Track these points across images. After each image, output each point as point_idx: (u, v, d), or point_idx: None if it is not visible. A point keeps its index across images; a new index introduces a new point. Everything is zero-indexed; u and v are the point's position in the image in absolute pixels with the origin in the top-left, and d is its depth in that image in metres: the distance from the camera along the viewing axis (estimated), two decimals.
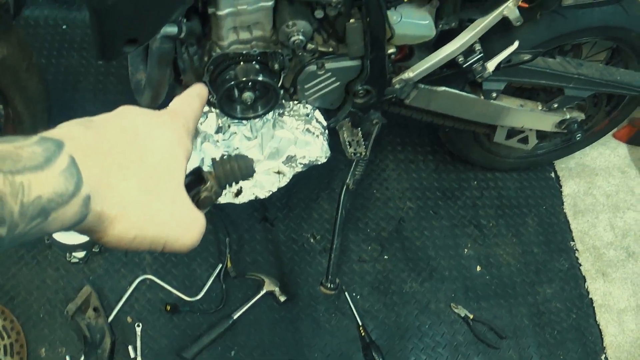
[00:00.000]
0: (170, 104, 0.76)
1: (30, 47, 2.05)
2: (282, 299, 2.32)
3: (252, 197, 2.12)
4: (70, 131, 0.60)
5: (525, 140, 2.45)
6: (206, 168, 0.78)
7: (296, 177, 2.12)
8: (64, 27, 2.86)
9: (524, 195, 2.76)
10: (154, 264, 2.38)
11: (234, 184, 0.79)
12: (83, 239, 2.26)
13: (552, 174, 2.86)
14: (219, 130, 2.07)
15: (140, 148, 0.64)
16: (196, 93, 0.80)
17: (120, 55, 1.68)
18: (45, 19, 2.80)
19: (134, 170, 0.62)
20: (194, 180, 0.75)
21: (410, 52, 2.08)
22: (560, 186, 2.82)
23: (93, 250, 2.35)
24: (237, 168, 0.77)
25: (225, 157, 0.78)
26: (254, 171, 0.79)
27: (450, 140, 2.61)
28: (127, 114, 0.68)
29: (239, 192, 2.12)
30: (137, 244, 0.63)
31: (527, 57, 2.05)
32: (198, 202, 0.73)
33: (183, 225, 0.66)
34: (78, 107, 2.68)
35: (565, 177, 2.83)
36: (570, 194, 2.78)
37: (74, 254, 2.34)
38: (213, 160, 0.78)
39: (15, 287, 2.28)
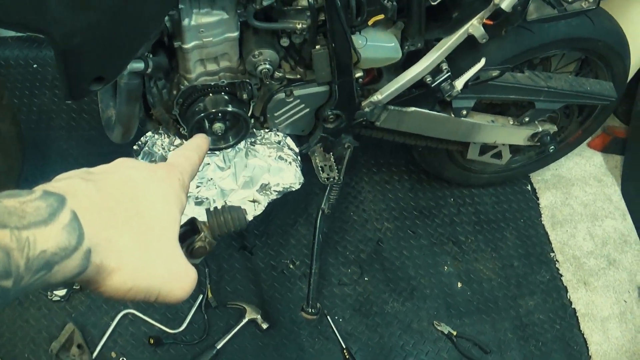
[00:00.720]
0: (169, 157, 0.80)
1: (2, 88, 2.06)
2: (265, 326, 2.32)
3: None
4: (71, 185, 0.62)
5: (498, 156, 2.47)
6: (201, 218, 0.81)
7: (272, 204, 2.13)
8: (35, 65, 2.88)
9: (501, 209, 2.77)
10: None
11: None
12: None
13: (529, 187, 2.88)
14: None
15: (138, 203, 0.66)
16: (195, 145, 0.83)
17: (88, 94, 1.68)
18: (16, 58, 2.81)
19: (131, 225, 0.64)
20: (189, 231, 0.78)
21: (379, 75, 2.10)
22: (537, 198, 2.84)
23: (74, 287, 2.35)
24: (230, 219, 0.80)
25: (219, 208, 0.81)
26: (247, 222, 0.81)
27: (424, 160, 2.62)
28: (125, 167, 0.70)
29: None
30: (132, 295, 0.64)
31: (495, 73, 2.06)
32: (192, 252, 0.77)
33: (176, 278, 0.67)
34: (52, 145, 2.69)
35: (541, 189, 2.85)
36: (548, 206, 2.79)
37: (55, 292, 2.34)
38: (207, 211, 0.80)
39: None
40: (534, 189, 2.87)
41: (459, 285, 2.55)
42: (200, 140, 0.85)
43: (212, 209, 0.82)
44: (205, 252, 0.79)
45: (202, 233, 0.78)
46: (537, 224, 2.76)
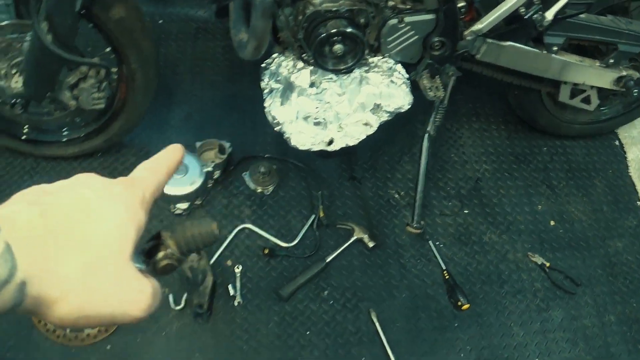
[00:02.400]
0: (134, 171, 0.76)
1: (140, 13, 2.28)
2: (371, 244, 2.48)
3: (344, 145, 2.30)
4: (12, 212, 0.60)
5: (587, 100, 2.61)
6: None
7: (380, 141, 2.28)
8: (160, 21, 3.17)
9: (591, 160, 2.91)
10: (252, 215, 2.58)
11: (200, 245, 0.78)
12: (187, 190, 2.48)
13: (617, 142, 3.01)
14: (312, 85, 2.28)
15: (87, 225, 0.64)
16: (165, 158, 0.80)
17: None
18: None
19: (77, 251, 0.62)
20: (155, 246, 0.75)
21: (478, 14, 2.29)
22: (625, 152, 2.97)
23: (195, 202, 2.55)
24: (199, 234, 0.77)
25: (186, 223, 0.78)
26: (216, 237, 0.79)
27: (519, 104, 2.79)
28: (79, 185, 0.68)
29: (330, 142, 2.31)
30: (83, 322, 0.63)
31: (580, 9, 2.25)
32: (158, 269, 0.74)
33: (129, 300, 0.65)
34: (177, 87, 2.95)
35: (628, 144, 2.98)
36: (635, 159, 2.92)
37: (177, 205, 2.53)
38: (173, 227, 0.77)
39: None
40: (621, 144, 3.00)
41: (552, 223, 2.68)
42: (171, 154, 0.80)
43: (185, 224, 0.78)
44: (173, 268, 0.76)
45: (169, 249, 0.75)
46: (625, 175, 2.89)
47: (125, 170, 2.60)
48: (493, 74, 2.48)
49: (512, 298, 2.48)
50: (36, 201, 0.63)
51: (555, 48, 2.34)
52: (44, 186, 0.67)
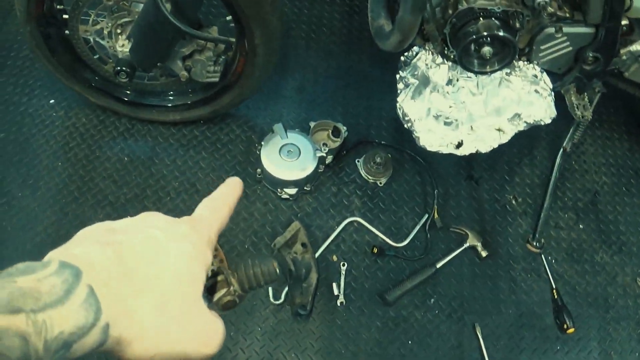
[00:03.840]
0: (196, 210, 0.78)
1: None
2: (484, 254, 2.39)
3: (473, 151, 2.17)
4: (87, 255, 0.61)
5: None
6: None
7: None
8: None
9: None
10: (362, 207, 2.46)
11: (260, 284, 0.78)
12: (298, 175, 2.35)
13: None
14: (449, 82, 2.13)
15: (159, 265, 0.66)
16: (225, 195, 0.81)
17: None
18: None
19: (151, 291, 0.64)
20: (218, 283, 0.76)
21: (631, 29, 2.13)
22: None
23: (305, 188, 2.43)
24: (261, 273, 0.77)
25: (249, 262, 0.78)
26: (278, 276, 0.79)
27: None
28: (147, 225, 0.70)
29: (459, 145, 2.18)
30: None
31: None
32: (221, 306, 0.75)
33: (201, 338, 0.68)
34: (291, 53, 2.79)
35: None
36: None
37: (285, 189, 2.42)
38: (237, 264, 0.78)
39: None
40: None
41: None
42: (231, 189, 0.82)
43: (247, 262, 0.78)
44: (234, 304, 0.76)
45: (232, 287, 0.76)
46: None
47: (230, 143, 2.47)
48: (637, 92, 2.33)
49: (616, 325, 2.40)
50: (108, 241, 0.64)
51: None
52: (108, 224, 0.69)
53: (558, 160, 2.30)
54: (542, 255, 2.44)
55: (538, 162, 2.53)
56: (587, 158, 2.74)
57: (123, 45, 2.17)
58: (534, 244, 2.29)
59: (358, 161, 2.52)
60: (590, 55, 2.08)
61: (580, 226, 2.56)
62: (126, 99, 2.48)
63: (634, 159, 2.77)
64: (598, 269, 2.49)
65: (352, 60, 2.79)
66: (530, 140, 2.65)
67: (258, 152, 2.37)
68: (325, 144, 2.44)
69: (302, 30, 2.85)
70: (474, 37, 1.95)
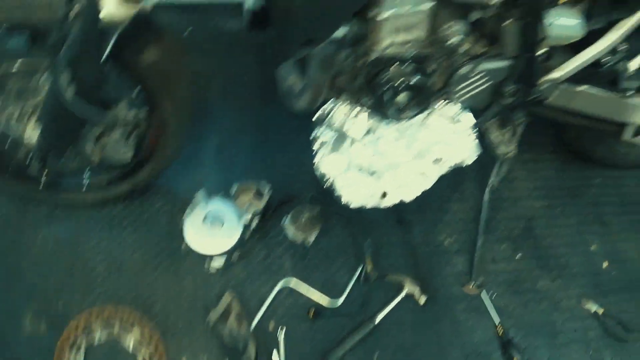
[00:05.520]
0: None
1: (181, 51, 2.05)
2: (422, 300, 2.34)
3: (397, 201, 2.14)
4: None
5: None
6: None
7: None
8: (185, 33, 2.84)
9: None
10: (294, 267, 2.41)
11: None
12: (225, 246, 2.29)
13: None
14: (368, 132, 2.09)
15: None
16: None
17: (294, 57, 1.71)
18: None
19: None
20: None
21: (548, 57, 2.10)
22: None
23: (232, 259, 2.37)
24: None
25: None
26: None
27: (577, 140, 2.64)
28: None
29: (384, 195, 2.13)
30: None
31: None
32: None
33: None
34: (208, 114, 2.75)
35: None
36: None
37: (212, 264, 2.36)
38: None
39: (152, 296, 2.30)
40: None
41: (605, 264, 2.56)
42: None
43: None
44: None
45: None
46: None
47: (152, 217, 2.41)
48: (560, 117, 2.30)
49: (566, 349, 2.37)
50: None
51: (630, 93, 2.17)
52: None
53: (486, 197, 2.28)
54: (482, 293, 2.40)
55: (468, 196, 2.50)
56: (518, 184, 2.71)
57: (33, 129, 2.08)
58: (472, 284, 2.26)
59: (285, 220, 2.46)
60: (510, 87, 2.04)
61: (518, 256, 2.53)
62: (43, 185, 2.39)
63: (564, 178, 2.75)
64: (541, 296, 2.46)
65: (269, 112, 2.73)
66: (457, 175, 2.59)
67: (181, 226, 2.31)
68: (250, 205, 2.38)
69: (216, 86, 2.79)
70: (387, 86, 1.90)
